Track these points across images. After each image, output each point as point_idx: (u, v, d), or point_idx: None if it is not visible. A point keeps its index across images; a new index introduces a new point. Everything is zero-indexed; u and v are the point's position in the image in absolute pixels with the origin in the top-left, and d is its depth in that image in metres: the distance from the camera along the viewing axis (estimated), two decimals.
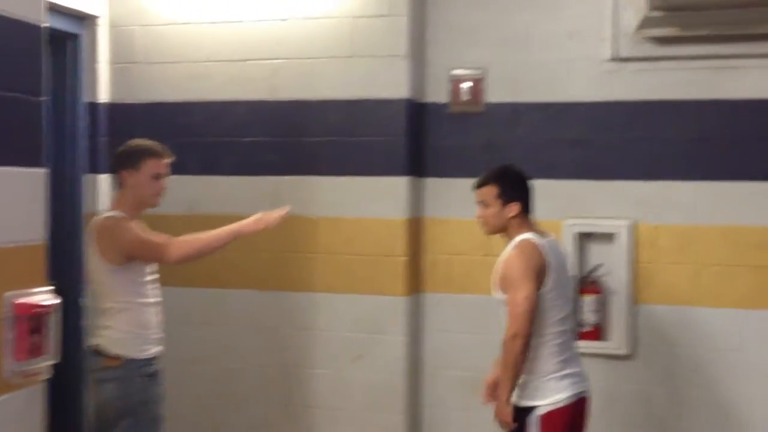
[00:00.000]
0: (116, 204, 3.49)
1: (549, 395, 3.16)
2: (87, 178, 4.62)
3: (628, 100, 4.10)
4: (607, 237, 4.11)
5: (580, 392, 3.23)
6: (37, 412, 2.51)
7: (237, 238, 3.53)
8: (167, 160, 3.55)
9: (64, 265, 4.54)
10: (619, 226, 4.07)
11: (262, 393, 4.47)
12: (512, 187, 3.28)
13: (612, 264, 4.09)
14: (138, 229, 3.43)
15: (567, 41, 4.17)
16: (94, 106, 4.62)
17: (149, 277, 3.47)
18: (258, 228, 3.53)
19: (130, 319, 3.39)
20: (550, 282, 3.16)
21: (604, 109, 4.13)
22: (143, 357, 3.41)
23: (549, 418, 3.15)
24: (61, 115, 4.53)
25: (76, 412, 4.61)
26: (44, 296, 2.50)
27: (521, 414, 3.19)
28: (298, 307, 4.41)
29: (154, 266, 3.54)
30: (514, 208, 3.25)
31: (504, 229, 3.28)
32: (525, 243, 3.19)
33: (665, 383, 4.07)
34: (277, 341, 4.45)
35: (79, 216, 4.60)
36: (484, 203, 3.30)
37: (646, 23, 3.86)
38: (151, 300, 3.49)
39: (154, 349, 3.48)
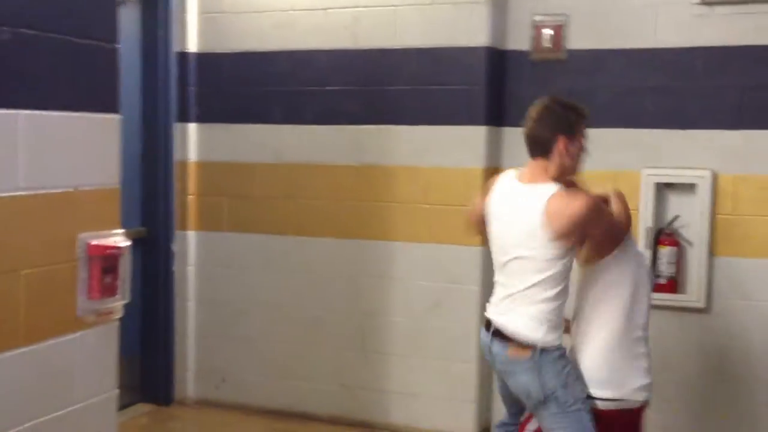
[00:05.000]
0: (547, 173, 2.93)
1: None
2: (177, 127, 4.78)
3: (716, 45, 3.92)
4: (687, 187, 3.97)
5: None
6: (111, 349, 2.63)
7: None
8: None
9: (155, 210, 4.76)
10: (699, 176, 3.93)
11: (340, 339, 4.58)
12: None
13: (690, 215, 3.96)
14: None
15: None
16: (183, 56, 4.76)
17: None
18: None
19: None
20: None
21: (690, 56, 3.96)
22: None
23: None
24: (152, 65, 4.69)
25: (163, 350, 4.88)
26: (117, 238, 2.59)
27: None
28: (375, 255, 4.47)
29: None
30: None
31: None
32: None
33: (741, 337, 3.95)
34: (356, 289, 4.54)
35: (170, 163, 4.77)
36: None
37: None
38: None
39: None
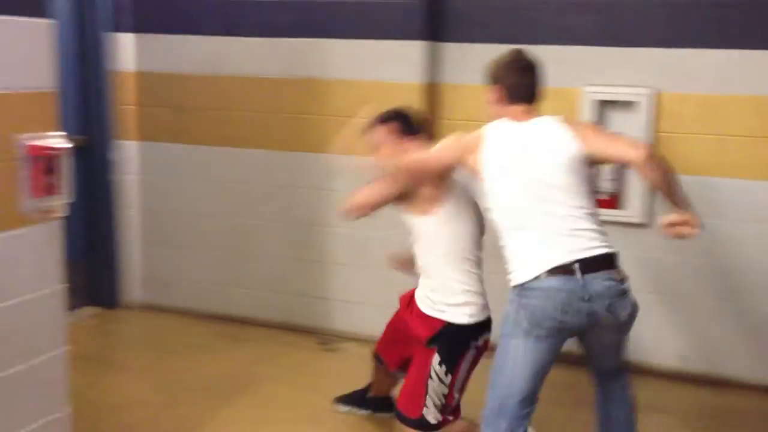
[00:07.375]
0: None
1: None
2: (113, 37, 4.66)
3: None
4: (628, 105, 3.99)
5: None
6: (55, 246, 2.70)
7: None
8: None
9: (93, 120, 4.69)
10: (640, 94, 3.96)
11: (277, 248, 4.63)
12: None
13: (632, 133, 3.87)
14: None
15: None
16: None
17: None
18: None
19: None
20: None
21: None
22: None
23: None
24: None
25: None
26: (56, 140, 2.63)
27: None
28: (311, 167, 4.47)
29: None
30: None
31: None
32: None
33: (678, 252, 3.99)
34: (292, 200, 4.56)
35: (103, 74, 4.66)
36: None
37: None
38: None
39: None
